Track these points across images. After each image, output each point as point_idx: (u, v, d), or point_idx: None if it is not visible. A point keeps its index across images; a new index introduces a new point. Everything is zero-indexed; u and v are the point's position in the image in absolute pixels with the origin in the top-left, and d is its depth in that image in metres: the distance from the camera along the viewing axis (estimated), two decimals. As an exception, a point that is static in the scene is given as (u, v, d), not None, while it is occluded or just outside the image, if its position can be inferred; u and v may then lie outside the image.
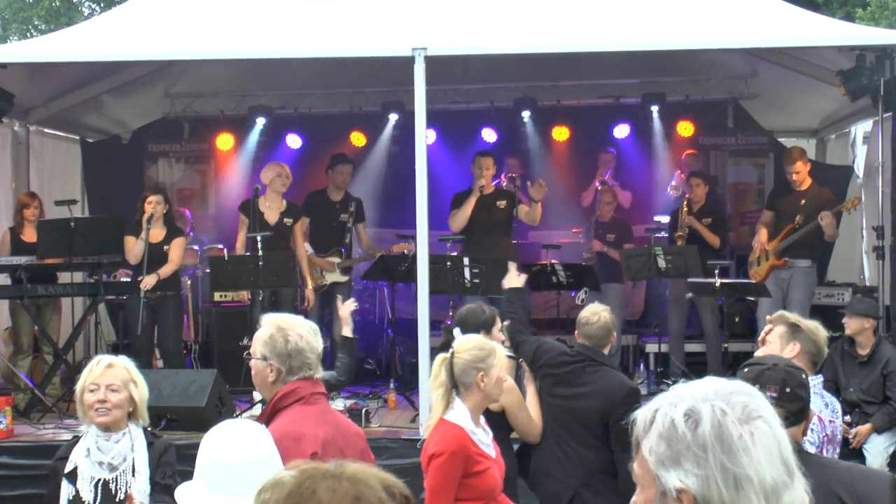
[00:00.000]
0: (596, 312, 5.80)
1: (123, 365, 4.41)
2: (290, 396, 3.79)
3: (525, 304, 6.56)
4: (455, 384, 4.56)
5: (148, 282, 9.04)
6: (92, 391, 4.31)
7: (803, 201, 9.49)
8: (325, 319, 10.49)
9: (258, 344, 3.84)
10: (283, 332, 3.81)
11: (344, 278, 10.43)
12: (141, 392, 4.39)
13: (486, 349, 4.64)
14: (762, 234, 9.73)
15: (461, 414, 4.56)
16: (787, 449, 1.84)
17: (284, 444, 3.38)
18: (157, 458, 4.37)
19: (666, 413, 1.83)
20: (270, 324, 3.86)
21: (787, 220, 9.56)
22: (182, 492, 2.98)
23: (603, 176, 11.34)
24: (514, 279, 6.53)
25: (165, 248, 9.34)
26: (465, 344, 4.66)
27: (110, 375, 4.33)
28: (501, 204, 9.91)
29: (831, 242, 10.37)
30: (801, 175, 9.52)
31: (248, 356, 3.91)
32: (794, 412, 3.17)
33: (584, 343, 5.78)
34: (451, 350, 4.61)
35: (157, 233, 9.38)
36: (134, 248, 9.21)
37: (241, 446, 2.90)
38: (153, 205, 9.26)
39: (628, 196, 11.52)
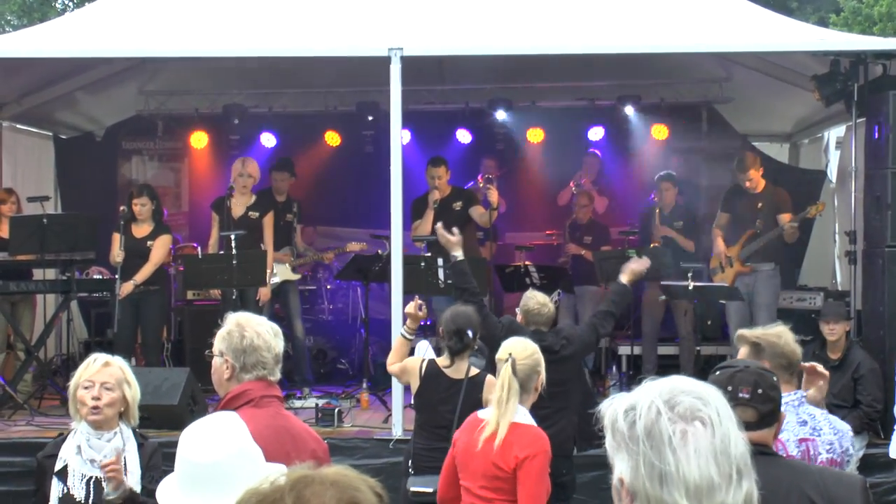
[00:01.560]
0: (544, 304, 6.25)
1: (119, 364, 4.43)
2: (239, 398, 3.64)
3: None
4: None
5: (125, 290, 9.05)
6: (86, 388, 4.32)
7: (760, 204, 9.49)
8: (278, 316, 10.48)
9: (216, 340, 3.77)
10: (240, 327, 3.71)
11: (295, 276, 10.41)
12: (134, 392, 4.41)
13: (539, 354, 4.77)
14: (719, 242, 9.74)
15: (529, 417, 4.64)
16: (733, 450, 1.85)
17: None
18: (147, 460, 4.39)
19: (614, 407, 1.94)
20: (230, 321, 3.79)
21: (744, 223, 9.57)
22: (161, 486, 3.01)
23: (579, 180, 11.33)
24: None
25: (149, 243, 9.32)
26: (524, 351, 4.71)
27: (106, 374, 4.35)
28: (457, 205, 9.94)
29: (802, 246, 10.41)
30: (754, 181, 9.53)
31: (210, 354, 3.82)
32: (766, 413, 3.19)
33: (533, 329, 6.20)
34: (510, 357, 4.62)
35: (144, 229, 9.40)
36: (116, 250, 9.16)
37: (207, 445, 2.88)
38: (139, 207, 9.30)
39: (604, 202, 11.51)
